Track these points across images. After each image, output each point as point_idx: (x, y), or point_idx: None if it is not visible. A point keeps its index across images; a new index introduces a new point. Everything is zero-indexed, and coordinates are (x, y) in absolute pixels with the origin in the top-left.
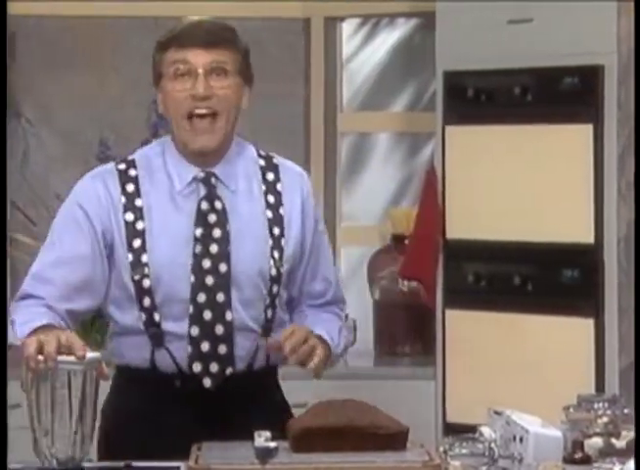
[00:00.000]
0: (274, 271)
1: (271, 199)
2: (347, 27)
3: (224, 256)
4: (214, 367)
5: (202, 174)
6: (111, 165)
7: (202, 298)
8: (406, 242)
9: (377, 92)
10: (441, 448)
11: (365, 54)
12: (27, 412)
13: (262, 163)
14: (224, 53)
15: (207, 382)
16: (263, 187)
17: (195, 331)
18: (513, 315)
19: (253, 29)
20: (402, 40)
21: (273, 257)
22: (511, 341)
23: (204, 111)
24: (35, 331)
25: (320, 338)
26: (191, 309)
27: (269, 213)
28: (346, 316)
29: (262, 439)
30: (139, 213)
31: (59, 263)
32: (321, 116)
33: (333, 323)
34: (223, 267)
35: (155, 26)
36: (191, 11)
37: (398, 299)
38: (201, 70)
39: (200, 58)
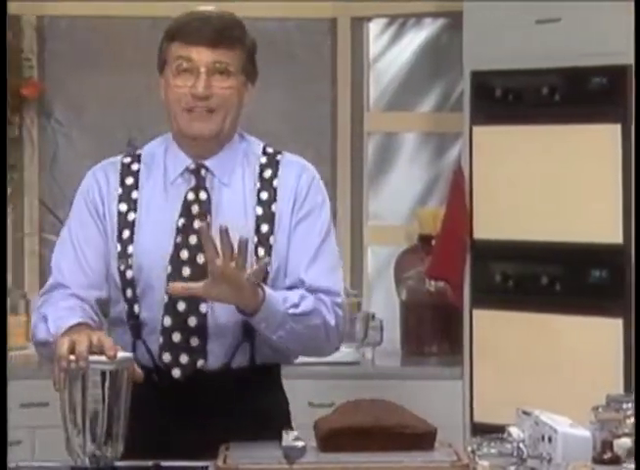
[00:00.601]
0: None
1: (264, 195)
2: (374, 27)
3: (203, 247)
4: (184, 358)
5: (193, 165)
6: (117, 158)
7: None
8: (433, 242)
9: (404, 92)
10: (469, 448)
11: (392, 54)
12: (60, 411)
13: (264, 160)
14: (229, 53)
15: (177, 373)
16: (258, 184)
17: (167, 321)
18: (541, 315)
19: (280, 30)
20: (429, 40)
21: (257, 254)
22: (539, 341)
23: (202, 108)
24: (67, 330)
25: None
26: (165, 299)
27: (259, 210)
28: (373, 316)
29: (290, 438)
30: (133, 205)
31: (80, 252)
32: (348, 115)
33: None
34: (201, 259)
35: None
36: None
37: (425, 299)
38: (203, 70)
39: (203, 56)
